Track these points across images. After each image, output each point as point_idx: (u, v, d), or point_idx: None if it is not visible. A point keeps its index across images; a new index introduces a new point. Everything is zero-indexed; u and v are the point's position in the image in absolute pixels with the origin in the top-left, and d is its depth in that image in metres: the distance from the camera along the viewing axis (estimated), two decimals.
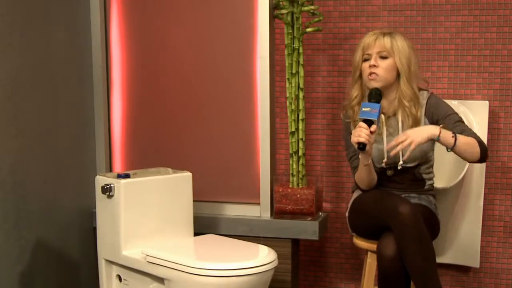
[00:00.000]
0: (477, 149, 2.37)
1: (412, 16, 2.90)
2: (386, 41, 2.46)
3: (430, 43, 2.89)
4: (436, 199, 2.62)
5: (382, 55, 2.46)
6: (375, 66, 2.45)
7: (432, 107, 2.50)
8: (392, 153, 2.39)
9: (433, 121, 2.49)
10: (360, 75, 2.53)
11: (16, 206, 2.63)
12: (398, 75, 2.48)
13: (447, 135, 2.34)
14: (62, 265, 2.93)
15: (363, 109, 2.40)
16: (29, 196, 2.70)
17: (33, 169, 2.73)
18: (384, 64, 2.46)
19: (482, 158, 2.40)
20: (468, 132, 2.42)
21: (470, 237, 2.84)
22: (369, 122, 2.38)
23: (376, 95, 2.43)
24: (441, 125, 2.37)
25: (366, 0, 2.94)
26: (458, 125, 2.44)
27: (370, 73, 2.46)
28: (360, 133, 2.35)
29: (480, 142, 2.39)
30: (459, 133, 2.37)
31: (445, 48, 2.88)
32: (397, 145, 2.35)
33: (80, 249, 3.04)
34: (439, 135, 2.33)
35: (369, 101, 2.44)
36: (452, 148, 2.35)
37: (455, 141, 2.34)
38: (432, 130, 2.35)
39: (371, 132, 2.36)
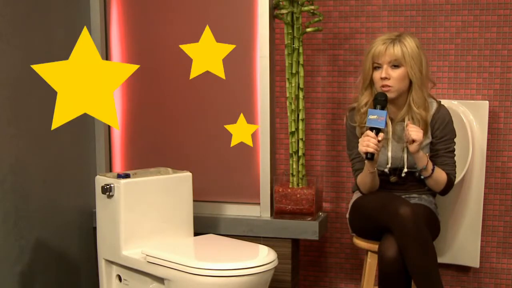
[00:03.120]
0: (441, 184, 2.51)
1: (412, 16, 2.90)
2: (397, 50, 2.40)
3: (430, 43, 2.89)
4: (436, 199, 2.63)
5: (394, 63, 2.42)
6: (387, 78, 2.42)
7: (440, 119, 2.49)
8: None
9: (432, 132, 2.50)
10: (370, 83, 2.50)
11: (16, 206, 2.63)
12: (410, 81, 2.45)
13: (429, 166, 2.47)
14: (62, 265, 2.93)
15: (370, 116, 2.39)
16: (29, 196, 2.70)
17: (33, 169, 2.73)
18: (395, 74, 2.42)
19: (442, 193, 2.57)
20: (449, 167, 2.53)
21: (470, 237, 2.84)
22: (376, 130, 2.38)
23: (381, 101, 2.41)
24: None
25: (366, 0, 2.94)
26: (446, 156, 2.52)
27: (383, 85, 2.43)
28: (369, 143, 2.36)
29: (449, 181, 2.52)
30: (441, 165, 2.51)
31: (445, 48, 2.88)
32: (408, 127, 2.40)
33: (80, 249, 3.04)
34: (425, 165, 2.46)
35: (375, 106, 2.42)
36: (425, 177, 2.50)
37: (431, 172, 2.48)
38: (425, 158, 2.46)
39: (379, 141, 2.37)
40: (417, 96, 2.44)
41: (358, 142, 2.47)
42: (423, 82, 2.45)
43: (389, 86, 2.43)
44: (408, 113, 2.47)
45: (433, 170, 2.47)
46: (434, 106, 2.50)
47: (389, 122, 2.50)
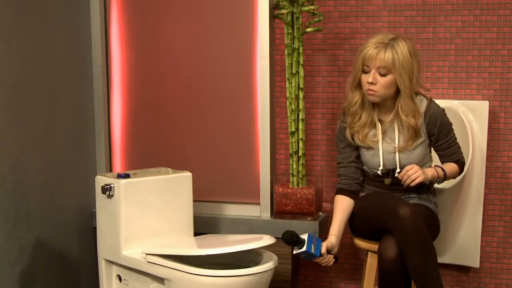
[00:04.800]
0: (456, 174, 2.58)
1: (412, 16, 2.90)
2: (388, 56, 2.38)
3: (430, 43, 2.89)
4: (436, 198, 2.63)
5: (382, 72, 2.41)
6: (373, 83, 2.43)
7: (432, 118, 2.49)
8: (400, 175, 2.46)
9: (428, 131, 2.50)
10: (360, 83, 2.50)
11: (16, 206, 2.63)
12: (398, 87, 2.44)
13: (440, 175, 2.51)
14: (62, 265, 2.93)
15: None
16: (29, 196, 2.70)
17: (33, 169, 2.73)
18: (383, 80, 2.42)
19: (459, 174, 2.63)
20: (456, 154, 2.57)
21: (470, 237, 2.84)
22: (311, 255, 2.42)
23: (292, 242, 2.39)
24: (434, 166, 2.53)
25: (366, 0, 2.94)
26: (450, 147, 2.55)
27: (369, 89, 2.44)
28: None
29: (461, 164, 2.59)
30: (449, 156, 2.55)
31: (445, 48, 2.88)
32: (405, 175, 2.42)
33: (80, 249, 3.04)
34: (438, 177, 2.50)
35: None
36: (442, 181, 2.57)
37: (444, 177, 2.52)
38: (435, 174, 2.49)
39: (324, 258, 2.45)
40: (405, 104, 2.44)
41: (345, 147, 2.56)
42: (412, 90, 2.44)
43: (374, 91, 2.43)
44: (396, 117, 2.48)
45: (445, 174, 2.50)
46: (424, 103, 2.50)
47: (378, 125, 2.51)
